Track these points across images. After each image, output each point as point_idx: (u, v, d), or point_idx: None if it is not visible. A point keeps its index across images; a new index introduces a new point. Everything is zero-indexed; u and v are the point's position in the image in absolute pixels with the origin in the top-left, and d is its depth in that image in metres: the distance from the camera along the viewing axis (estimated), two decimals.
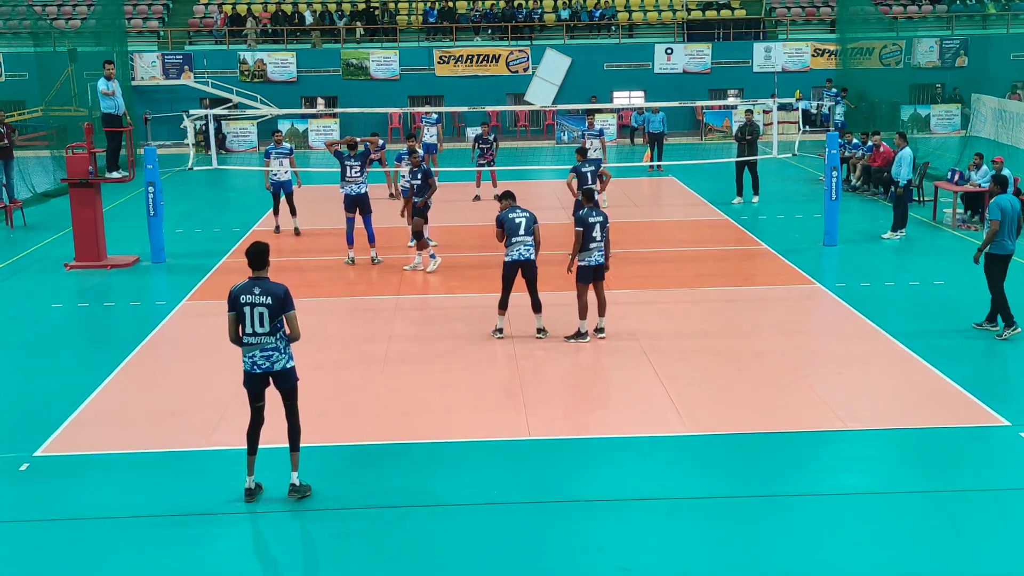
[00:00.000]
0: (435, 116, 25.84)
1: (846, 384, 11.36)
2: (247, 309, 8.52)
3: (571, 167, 17.95)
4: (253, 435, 8.79)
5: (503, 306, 13.11)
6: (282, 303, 8.53)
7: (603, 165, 22.79)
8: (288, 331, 8.63)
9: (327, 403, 10.75)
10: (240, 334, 8.62)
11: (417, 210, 16.56)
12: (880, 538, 8.07)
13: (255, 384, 8.70)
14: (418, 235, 16.65)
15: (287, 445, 8.86)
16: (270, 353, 8.59)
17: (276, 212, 20.18)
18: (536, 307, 13.16)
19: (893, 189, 19.19)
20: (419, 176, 16.61)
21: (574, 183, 17.47)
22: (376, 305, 14.99)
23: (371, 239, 17.35)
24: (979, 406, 10.62)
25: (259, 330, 8.54)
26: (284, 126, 33.39)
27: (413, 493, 8.90)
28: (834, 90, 32.21)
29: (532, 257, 12.93)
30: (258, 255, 8.65)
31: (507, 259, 12.94)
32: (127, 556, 7.96)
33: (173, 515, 8.58)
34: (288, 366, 8.69)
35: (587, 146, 22.60)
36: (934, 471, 9.30)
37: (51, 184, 24.67)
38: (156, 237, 17.85)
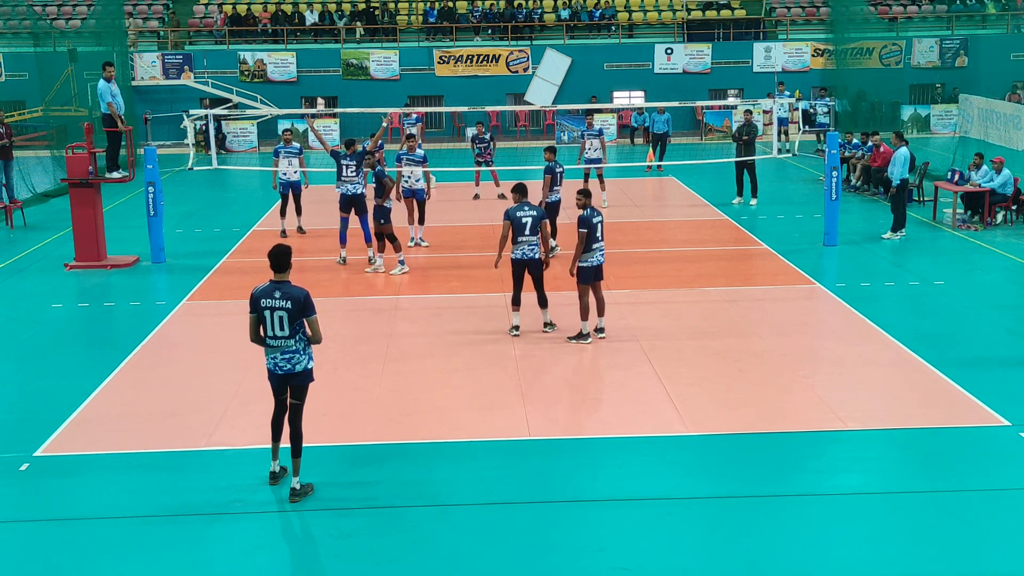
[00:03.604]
0: (415, 117, 25.95)
1: (846, 384, 11.36)
2: (267, 313, 8.58)
3: (544, 167, 17.01)
4: (277, 423, 8.98)
5: (515, 302, 13.17)
6: (302, 307, 8.58)
7: (603, 164, 22.85)
8: (309, 333, 8.68)
9: (327, 403, 10.75)
10: (262, 334, 8.67)
11: (375, 213, 16.31)
12: (880, 538, 8.07)
13: (277, 382, 8.83)
14: (391, 238, 16.46)
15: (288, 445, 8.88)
16: (291, 355, 8.68)
17: (283, 214, 19.82)
18: (542, 302, 13.24)
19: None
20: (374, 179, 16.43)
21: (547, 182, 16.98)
22: (376, 305, 15.00)
23: (367, 239, 17.30)
24: (979, 406, 10.62)
25: (279, 333, 8.61)
26: (284, 126, 33.38)
27: (413, 493, 8.90)
28: (787, 93, 32.14)
29: (537, 256, 12.99)
30: (280, 257, 8.68)
31: (513, 257, 13.00)
32: (127, 556, 7.96)
33: (173, 515, 8.57)
34: (308, 367, 8.79)
35: (587, 146, 22.68)
36: (934, 471, 9.30)
37: (51, 184, 24.67)
38: (156, 237, 17.85)
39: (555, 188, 16.80)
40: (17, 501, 9.00)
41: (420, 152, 18.84)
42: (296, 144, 19.93)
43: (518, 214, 12.88)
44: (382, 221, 16.29)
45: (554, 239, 16.99)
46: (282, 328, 8.58)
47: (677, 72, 36.78)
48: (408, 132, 21.29)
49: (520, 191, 13.15)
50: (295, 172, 19.63)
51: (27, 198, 23.27)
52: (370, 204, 16.57)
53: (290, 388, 8.79)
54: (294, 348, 8.67)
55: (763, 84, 35.11)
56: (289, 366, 8.70)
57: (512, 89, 36.47)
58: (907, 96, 36.46)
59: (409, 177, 18.41)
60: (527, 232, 12.87)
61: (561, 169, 17.08)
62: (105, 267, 17.48)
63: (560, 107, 32.91)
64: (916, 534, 8.15)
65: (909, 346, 12.53)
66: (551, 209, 16.76)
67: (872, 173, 23.46)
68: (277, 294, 8.59)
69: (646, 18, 38.66)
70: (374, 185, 16.37)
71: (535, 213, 12.91)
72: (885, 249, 18.08)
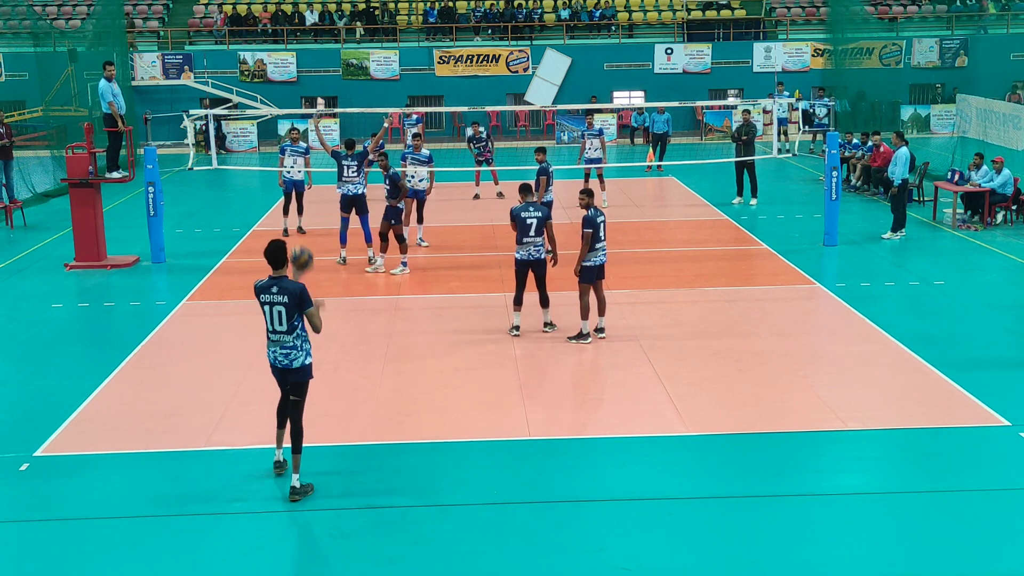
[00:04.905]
0: (415, 117, 25.95)
1: (846, 384, 11.36)
2: (267, 308, 8.72)
3: (537, 168, 17.17)
4: (283, 411, 9.07)
5: (517, 302, 13.19)
6: (298, 301, 8.67)
7: (603, 164, 22.85)
8: (308, 328, 8.78)
9: (327, 403, 10.75)
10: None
11: (387, 213, 16.40)
12: (880, 538, 8.07)
13: (278, 375, 8.95)
14: (399, 238, 16.46)
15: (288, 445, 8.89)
16: (289, 351, 8.76)
17: (286, 212, 19.82)
18: (543, 302, 13.26)
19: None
20: (386, 180, 16.46)
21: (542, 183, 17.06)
22: (376, 305, 14.99)
23: (367, 239, 17.31)
24: (979, 406, 10.62)
25: (278, 328, 8.73)
26: (284, 126, 33.41)
27: (413, 493, 8.90)
28: (786, 93, 32.12)
29: (542, 256, 13.02)
30: (276, 253, 8.78)
31: (518, 257, 13.03)
32: (127, 556, 7.96)
33: (173, 515, 8.58)
34: (306, 363, 8.85)
35: (587, 146, 22.67)
36: (934, 471, 9.30)
37: (51, 184, 24.66)
38: (156, 237, 17.85)
39: (548, 188, 16.85)
40: (17, 501, 9.00)
41: (426, 152, 18.84)
42: (303, 144, 19.89)
43: (523, 214, 12.89)
44: (393, 222, 16.33)
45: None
46: (280, 323, 8.69)
47: (677, 72, 36.77)
48: (414, 132, 21.33)
49: (525, 191, 13.16)
50: (299, 171, 19.63)
51: (27, 198, 23.26)
52: (381, 204, 16.57)
53: (289, 384, 8.84)
54: (291, 344, 8.73)
55: (763, 84, 35.10)
56: (287, 361, 8.77)
57: (512, 89, 36.46)
58: (907, 96, 36.46)
59: (413, 176, 18.41)
60: (532, 233, 12.88)
61: (552, 169, 17.15)
62: (105, 267, 17.47)
63: (560, 107, 32.89)
64: (916, 534, 8.16)
65: (909, 346, 12.53)
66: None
67: (872, 173, 23.46)
68: (275, 289, 8.70)
69: (646, 18, 38.65)
70: (387, 186, 16.37)
71: (540, 214, 12.92)
72: (885, 249, 18.08)
